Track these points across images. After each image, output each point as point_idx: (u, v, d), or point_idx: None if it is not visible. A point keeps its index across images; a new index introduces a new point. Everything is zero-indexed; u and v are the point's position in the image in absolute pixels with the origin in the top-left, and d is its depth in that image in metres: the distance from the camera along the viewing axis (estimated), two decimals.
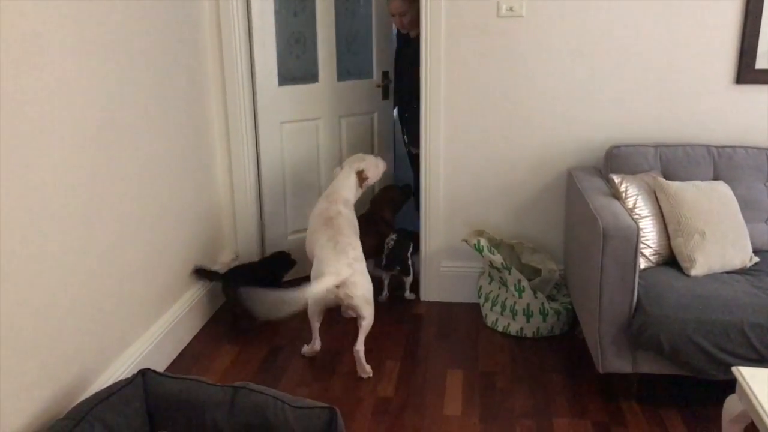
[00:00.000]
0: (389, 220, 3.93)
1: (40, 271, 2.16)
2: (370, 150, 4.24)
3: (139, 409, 2.27)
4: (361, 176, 3.43)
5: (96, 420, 2.12)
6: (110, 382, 2.47)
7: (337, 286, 2.90)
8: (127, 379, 2.30)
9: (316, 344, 3.16)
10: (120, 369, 2.63)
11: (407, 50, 4.00)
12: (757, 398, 1.92)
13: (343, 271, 2.90)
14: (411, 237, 3.82)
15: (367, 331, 3.03)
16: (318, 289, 2.87)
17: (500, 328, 3.39)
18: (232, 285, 3.32)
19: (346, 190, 3.38)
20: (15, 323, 2.04)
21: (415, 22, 3.66)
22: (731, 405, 2.10)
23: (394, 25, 4.18)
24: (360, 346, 2.97)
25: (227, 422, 2.22)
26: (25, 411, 2.11)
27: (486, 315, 3.49)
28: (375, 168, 3.52)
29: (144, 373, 2.33)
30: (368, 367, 3.00)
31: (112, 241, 2.59)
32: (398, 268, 3.69)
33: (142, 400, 2.30)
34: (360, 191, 3.48)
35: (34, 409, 2.16)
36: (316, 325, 3.13)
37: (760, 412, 1.88)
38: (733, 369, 2.07)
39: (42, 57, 2.13)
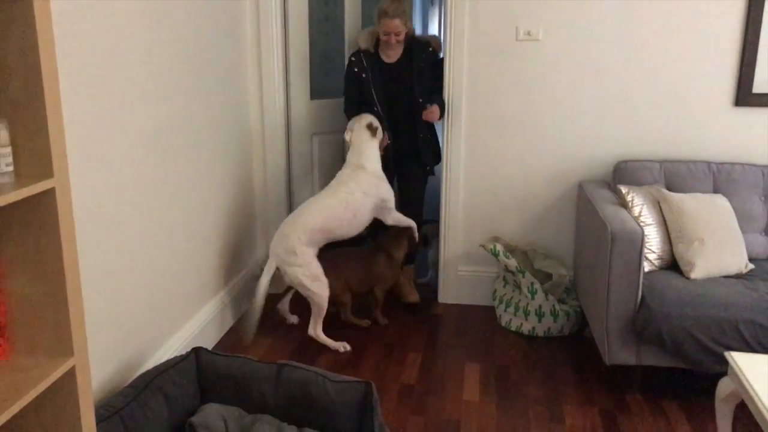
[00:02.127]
0: (397, 260, 3.75)
1: (107, 260, 2.44)
2: None
3: (192, 381, 2.53)
4: (373, 129, 3.60)
5: (156, 389, 2.38)
6: (164, 359, 2.73)
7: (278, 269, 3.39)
8: (182, 355, 2.56)
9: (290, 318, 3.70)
10: (171, 348, 2.89)
11: (388, 75, 3.78)
12: (746, 378, 2.17)
13: (275, 254, 3.39)
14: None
15: (319, 315, 3.41)
16: (262, 284, 3.36)
17: (513, 328, 3.65)
18: None
19: (372, 157, 3.59)
20: (88, 306, 2.31)
21: (402, 42, 3.73)
22: (723, 386, 2.35)
23: (347, 53, 4.08)
24: (311, 331, 3.42)
25: (273, 394, 2.48)
26: (95, 379, 2.37)
27: (500, 316, 3.74)
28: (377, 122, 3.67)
29: (197, 351, 2.60)
30: (337, 344, 3.41)
31: (165, 237, 2.87)
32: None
33: (195, 374, 2.56)
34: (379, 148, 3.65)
35: (102, 378, 2.42)
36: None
37: (749, 390, 2.13)
38: (726, 353, 2.32)
39: (113, 78, 2.43)
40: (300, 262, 3.33)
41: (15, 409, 1.37)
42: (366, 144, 3.57)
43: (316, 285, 3.35)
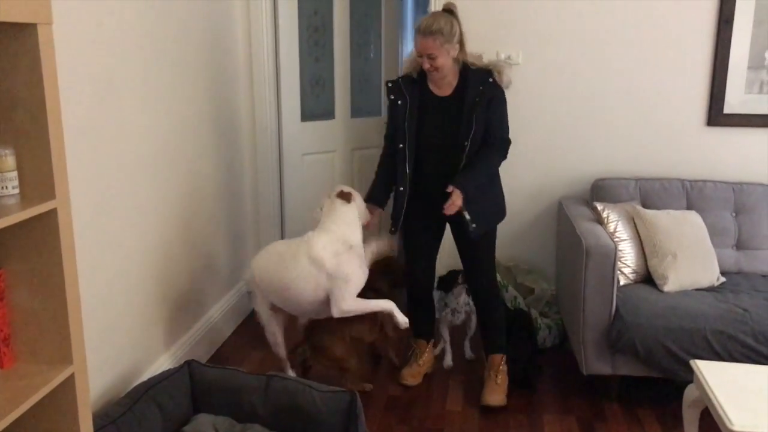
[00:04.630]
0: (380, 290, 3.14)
1: (100, 275, 2.56)
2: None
3: (185, 392, 2.64)
4: (346, 196, 2.98)
5: (150, 400, 2.49)
6: (159, 371, 2.84)
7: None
8: (175, 368, 2.68)
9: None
10: (166, 362, 3.01)
11: (435, 110, 3.04)
12: (709, 385, 2.30)
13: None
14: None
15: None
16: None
17: None
18: None
19: (344, 221, 2.95)
20: (86, 320, 2.43)
21: (449, 69, 2.97)
22: (690, 393, 2.48)
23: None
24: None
25: (262, 404, 2.59)
26: (92, 390, 2.48)
27: None
28: (357, 195, 3.08)
29: (189, 363, 2.71)
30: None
31: (159, 256, 3.00)
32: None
33: (188, 386, 2.66)
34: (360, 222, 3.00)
35: (97, 392, 2.53)
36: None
37: (711, 396, 2.25)
38: (691, 362, 2.45)
39: (114, 98, 2.58)
40: (254, 300, 3.12)
41: (19, 412, 1.49)
42: (339, 210, 2.96)
43: (266, 331, 3.12)
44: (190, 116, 3.25)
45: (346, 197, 2.97)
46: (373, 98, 4.61)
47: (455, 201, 2.89)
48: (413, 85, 3.05)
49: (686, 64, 3.70)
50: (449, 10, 2.95)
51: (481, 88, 2.95)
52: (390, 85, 3.10)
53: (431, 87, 3.05)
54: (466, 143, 2.95)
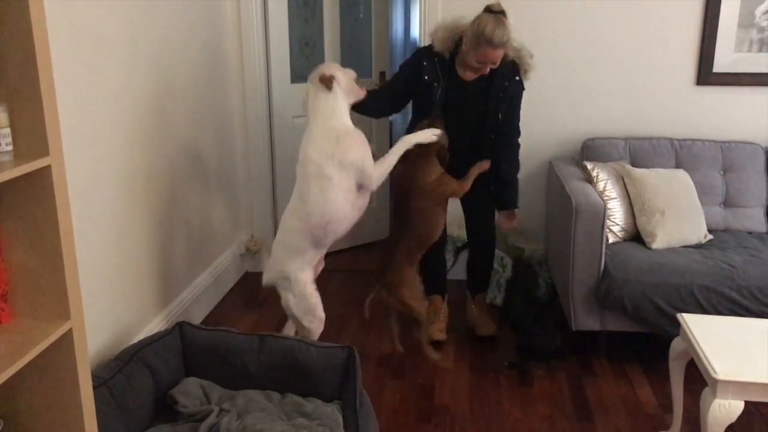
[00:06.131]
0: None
1: (97, 236, 2.58)
2: (371, 140, 4.64)
3: (177, 354, 2.62)
4: (326, 80, 2.76)
5: (141, 361, 2.47)
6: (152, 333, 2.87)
7: None
8: (166, 330, 2.67)
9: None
10: (158, 326, 3.04)
11: (460, 95, 3.13)
12: (694, 337, 2.35)
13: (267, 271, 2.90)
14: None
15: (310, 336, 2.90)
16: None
17: (487, 300, 3.82)
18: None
19: (329, 111, 2.77)
20: (80, 281, 2.45)
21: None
22: (676, 345, 2.53)
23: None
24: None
25: (255, 363, 2.58)
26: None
27: None
28: (342, 72, 2.85)
29: (181, 325, 2.70)
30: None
31: (153, 216, 3.01)
32: None
33: (180, 348, 2.66)
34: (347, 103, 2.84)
35: (92, 352, 2.56)
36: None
37: (696, 347, 2.31)
38: (678, 315, 2.51)
39: (102, 65, 2.56)
40: (295, 290, 2.84)
41: (18, 365, 1.51)
42: (321, 101, 2.78)
43: (308, 319, 2.87)
44: (180, 78, 3.24)
45: (326, 82, 2.75)
46: (363, 60, 4.58)
47: (518, 221, 3.33)
48: (445, 66, 3.08)
49: (676, 23, 3.70)
50: (501, 11, 2.94)
51: (506, 83, 3.08)
52: (426, 64, 3.08)
53: (458, 70, 3.11)
54: (493, 136, 3.16)
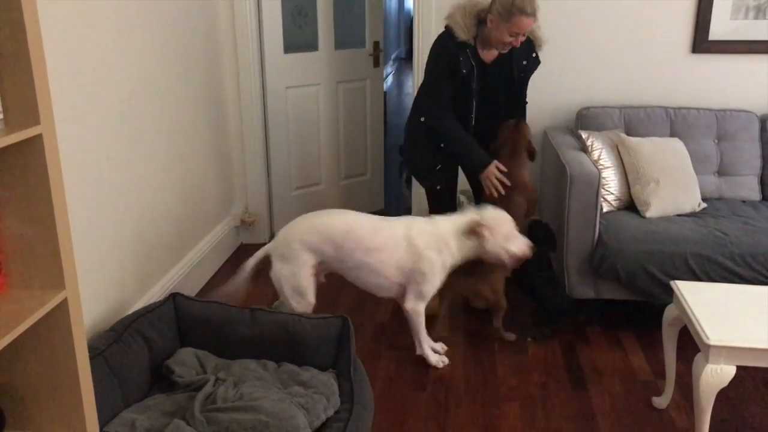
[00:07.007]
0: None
1: (91, 209, 2.57)
2: (363, 114, 4.62)
3: (171, 325, 2.63)
4: (475, 232, 2.78)
5: (135, 332, 2.47)
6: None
7: None
8: (160, 301, 2.67)
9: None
10: (153, 297, 3.04)
11: (482, 76, 3.15)
12: (687, 303, 2.37)
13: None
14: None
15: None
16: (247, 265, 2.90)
17: None
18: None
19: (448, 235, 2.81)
20: (75, 252, 2.45)
21: None
22: (669, 312, 2.55)
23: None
24: None
25: (249, 334, 2.59)
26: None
27: None
28: (497, 225, 2.81)
29: (174, 296, 2.70)
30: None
31: (145, 188, 3.00)
32: None
33: (174, 319, 2.66)
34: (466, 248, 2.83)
35: (88, 323, 2.57)
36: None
37: (689, 314, 2.32)
38: (671, 282, 2.52)
39: (93, 34, 2.53)
40: (290, 262, 2.82)
41: (14, 334, 1.51)
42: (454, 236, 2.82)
43: (296, 300, 2.84)
44: (172, 49, 3.20)
45: (476, 235, 2.78)
46: (358, 30, 4.54)
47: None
48: (474, 53, 3.09)
49: None
50: None
51: (524, 62, 3.18)
52: (462, 59, 3.04)
53: (481, 53, 3.13)
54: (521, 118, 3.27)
